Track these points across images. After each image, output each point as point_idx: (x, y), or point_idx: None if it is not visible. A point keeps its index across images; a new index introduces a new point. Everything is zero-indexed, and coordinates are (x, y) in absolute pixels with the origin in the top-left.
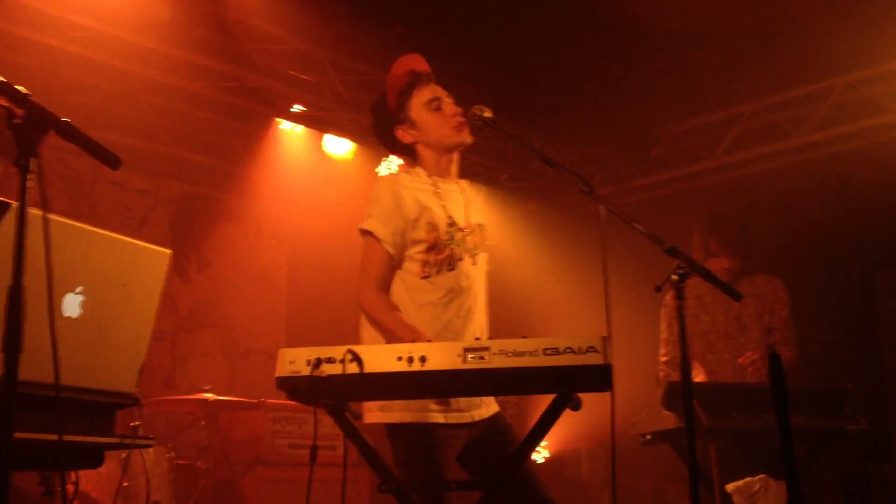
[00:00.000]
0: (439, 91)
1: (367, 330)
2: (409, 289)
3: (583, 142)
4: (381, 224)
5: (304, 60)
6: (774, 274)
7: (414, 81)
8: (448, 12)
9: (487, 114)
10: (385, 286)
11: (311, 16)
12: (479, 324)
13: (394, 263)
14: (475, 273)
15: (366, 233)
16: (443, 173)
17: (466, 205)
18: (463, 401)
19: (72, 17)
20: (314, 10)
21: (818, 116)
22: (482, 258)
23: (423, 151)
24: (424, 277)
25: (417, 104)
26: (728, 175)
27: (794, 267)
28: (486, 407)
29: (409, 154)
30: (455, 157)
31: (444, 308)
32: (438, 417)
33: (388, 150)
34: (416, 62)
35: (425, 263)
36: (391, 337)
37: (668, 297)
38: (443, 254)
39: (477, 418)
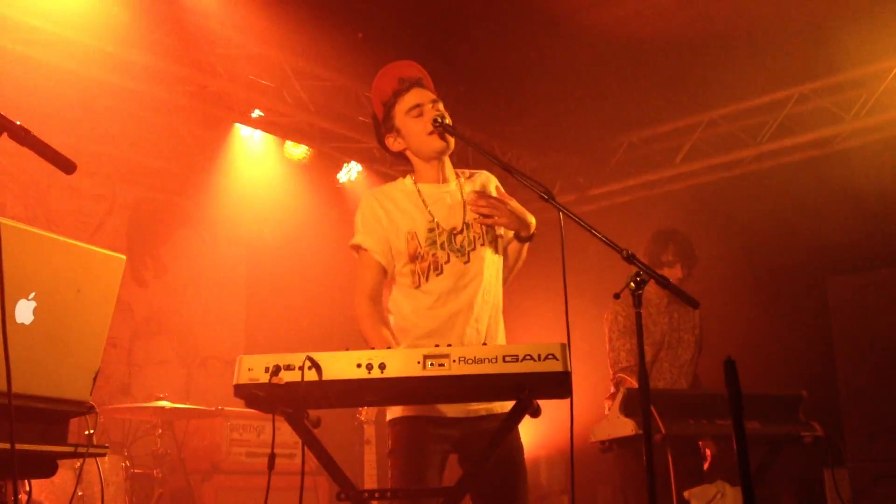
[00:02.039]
0: (424, 96)
1: None
2: (407, 298)
3: (543, 149)
4: (366, 235)
5: (263, 65)
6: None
7: (399, 89)
8: (409, 19)
9: (447, 120)
10: (375, 295)
11: (272, 20)
12: (480, 320)
13: (385, 273)
14: (472, 270)
15: (355, 248)
16: (434, 178)
17: (464, 203)
18: None
19: (27, 19)
20: (274, 15)
21: (773, 126)
22: (481, 252)
23: (412, 158)
24: (416, 287)
25: (401, 112)
26: (686, 183)
27: (749, 274)
28: (493, 403)
29: (404, 161)
30: (445, 160)
31: (437, 311)
32: (427, 411)
33: (392, 157)
34: (404, 69)
35: (413, 273)
36: (368, 346)
37: (620, 307)
38: (426, 261)
39: (472, 414)
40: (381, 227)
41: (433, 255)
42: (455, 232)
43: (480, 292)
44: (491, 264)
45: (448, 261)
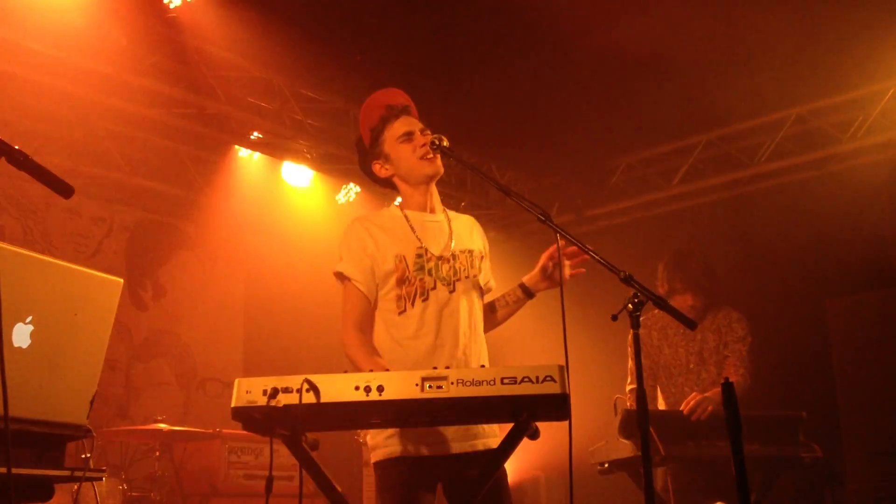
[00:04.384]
0: (414, 124)
1: None
2: (388, 327)
3: (540, 171)
4: (351, 264)
5: (262, 88)
6: (731, 303)
7: (387, 116)
8: (407, 42)
9: (445, 143)
10: (363, 325)
11: (271, 43)
12: (465, 350)
13: (370, 302)
14: (455, 300)
15: (339, 275)
16: (421, 205)
17: (450, 234)
18: (447, 432)
19: (28, 42)
20: (273, 38)
21: (771, 147)
22: (466, 284)
23: (400, 185)
24: (401, 313)
25: (390, 138)
26: (683, 204)
27: (747, 295)
28: (477, 441)
29: (390, 188)
30: (433, 188)
31: (420, 341)
32: (412, 450)
33: (378, 184)
34: (392, 96)
35: (399, 298)
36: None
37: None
38: (413, 285)
39: (459, 451)
40: (365, 256)
41: (420, 279)
42: (443, 260)
43: (464, 324)
44: (474, 298)
45: (434, 287)
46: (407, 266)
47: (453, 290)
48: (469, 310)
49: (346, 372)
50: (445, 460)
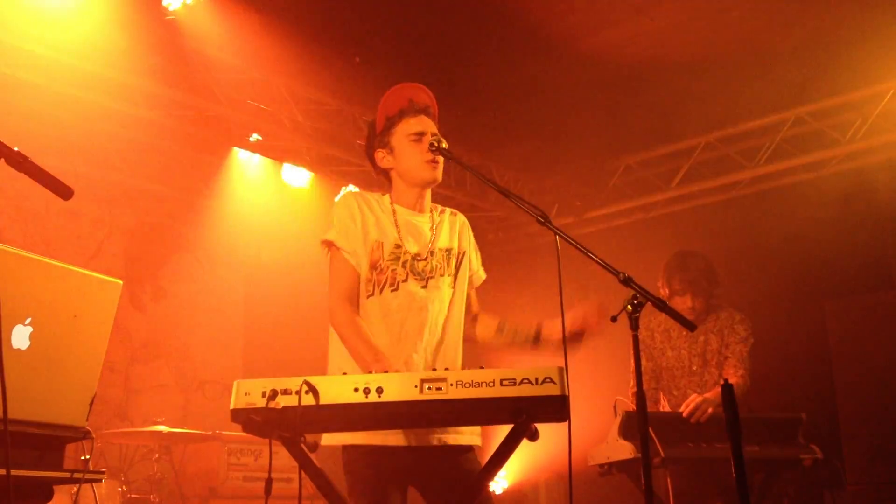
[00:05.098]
0: (429, 126)
1: (333, 347)
2: (361, 308)
3: (540, 173)
4: (341, 235)
5: (261, 90)
6: (733, 304)
7: (406, 110)
8: (407, 43)
9: (444, 144)
10: (353, 298)
11: (270, 45)
12: (430, 348)
13: (358, 274)
14: (428, 296)
15: (328, 244)
16: (411, 205)
17: (432, 235)
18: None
19: (26, 45)
20: (272, 40)
21: (770, 149)
22: (440, 282)
23: (396, 180)
24: (369, 297)
25: (402, 132)
26: (682, 206)
27: (746, 297)
28: (447, 434)
29: (385, 178)
30: (425, 193)
31: (385, 328)
32: (377, 440)
33: (374, 172)
34: (417, 92)
35: (368, 281)
36: (353, 354)
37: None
38: (384, 274)
39: (427, 444)
40: (356, 229)
41: (392, 270)
42: (418, 258)
43: (433, 320)
44: (448, 297)
45: (406, 280)
46: (382, 254)
47: (425, 286)
48: (440, 308)
49: (344, 373)
50: (414, 451)
